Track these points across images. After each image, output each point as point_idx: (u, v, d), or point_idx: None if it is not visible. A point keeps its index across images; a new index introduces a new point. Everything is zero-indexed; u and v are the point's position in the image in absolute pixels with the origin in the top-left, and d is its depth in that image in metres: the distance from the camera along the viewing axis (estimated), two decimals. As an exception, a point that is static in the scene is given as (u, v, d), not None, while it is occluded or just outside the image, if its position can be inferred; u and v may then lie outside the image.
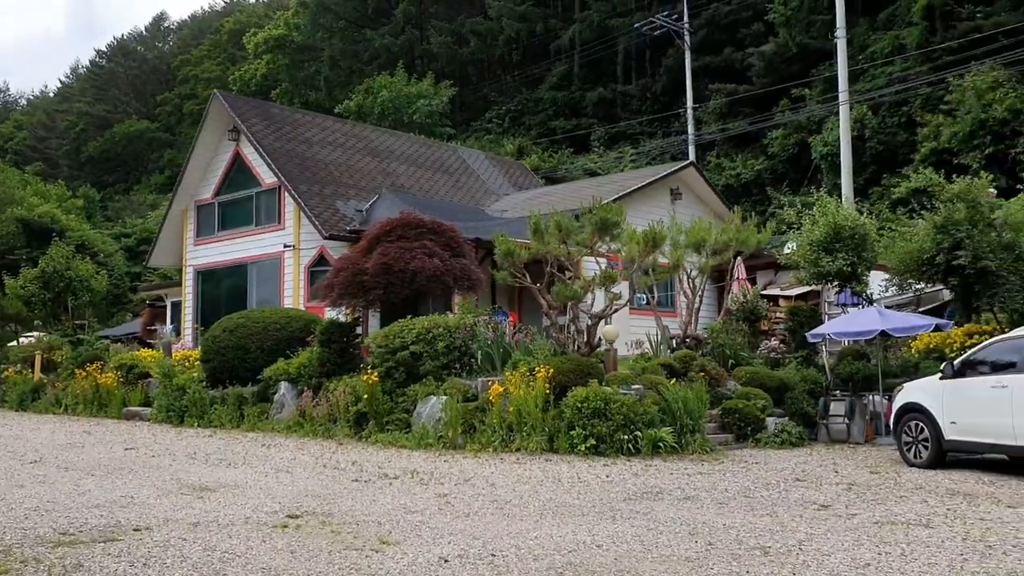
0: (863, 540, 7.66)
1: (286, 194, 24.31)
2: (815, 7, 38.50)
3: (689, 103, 39.61)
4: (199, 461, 13.28)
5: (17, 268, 36.29)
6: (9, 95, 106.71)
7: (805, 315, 17.48)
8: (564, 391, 13.85)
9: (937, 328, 15.63)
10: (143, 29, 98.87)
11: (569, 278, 16.51)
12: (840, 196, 26.10)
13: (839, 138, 31.30)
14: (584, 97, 50.19)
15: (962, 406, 11.81)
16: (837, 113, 32.70)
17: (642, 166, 38.83)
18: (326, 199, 24.12)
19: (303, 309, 22.22)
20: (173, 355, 23.09)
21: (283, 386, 17.74)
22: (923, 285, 18.55)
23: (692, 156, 37.20)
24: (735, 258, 18.64)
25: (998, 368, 11.59)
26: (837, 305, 20.48)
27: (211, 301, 26.49)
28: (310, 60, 62.82)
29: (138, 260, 53.46)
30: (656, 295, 18.71)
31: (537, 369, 13.98)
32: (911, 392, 12.80)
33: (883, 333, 15.30)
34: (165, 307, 31.29)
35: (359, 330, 18.02)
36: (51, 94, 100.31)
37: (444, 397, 14.86)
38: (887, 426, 15.41)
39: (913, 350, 17.45)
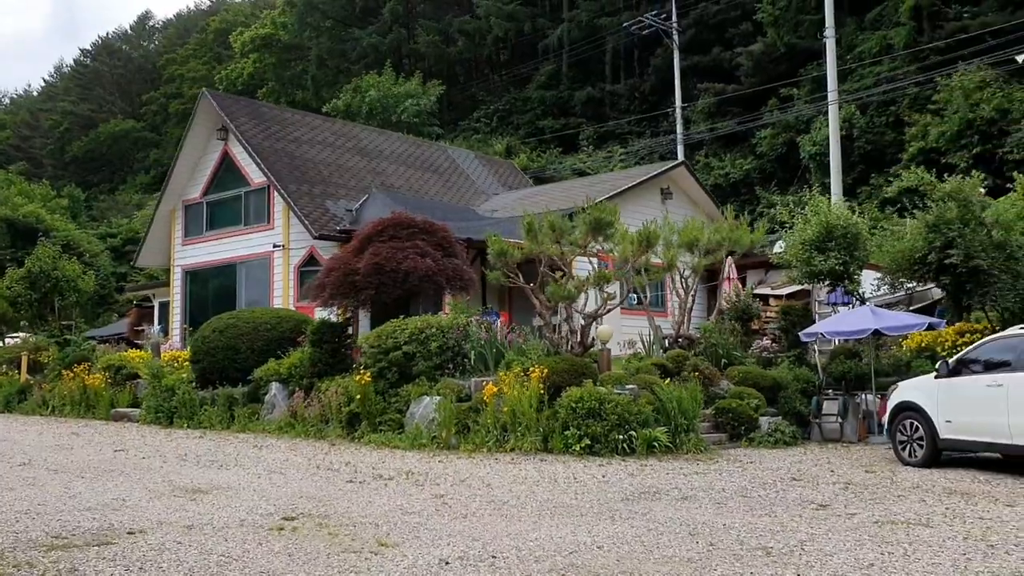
0: (864, 540, 7.63)
1: (275, 194, 24.18)
2: (803, 7, 38.63)
3: (678, 103, 39.64)
4: (190, 463, 13.15)
5: (1, 268, 36.03)
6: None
7: (797, 314, 17.48)
8: (558, 391, 13.78)
9: (930, 327, 15.65)
10: (128, 28, 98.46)
11: (561, 278, 16.45)
12: (829, 195, 26.14)
13: (827, 138, 31.40)
14: (572, 96, 50.18)
15: (957, 405, 11.81)
16: (825, 113, 32.80)
17: (631, 166, 38.85)
18: (315, 199, 23.99)
19: (293, 309, 22.09)
20: (162, 356, 22.91)
21: (274, 387, 17.61)
22: (915, 284, 18.57)
23: (681, 156, 37.23)
24: (728, 257, 18.63)
25: (993, 367, 11.59)
26: (827, 304, 20.49)
27: (199, 301, 26.32)
28: (297, 59, 62.59)
29: (123, 260, 53.16)
30: (648, 295, 18.63)
31: (531, 369, 13.91)
32: (906, 391, 12.81)
33: (876, 332, 15.31)
34: (153, 307, 31.07)
35: (351, 330, 17.90)
36: (35, 93, 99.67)
37: (438, 397, 14.78)
38: (880, 425, 15.45)
39: (904, 349, 17.47)
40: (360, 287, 16.66)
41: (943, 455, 12.35)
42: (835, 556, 7.09)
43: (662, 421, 13.52)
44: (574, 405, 13.21)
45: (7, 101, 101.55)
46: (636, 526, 8.26)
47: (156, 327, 28.63)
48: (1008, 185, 18.38)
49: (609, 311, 15.67)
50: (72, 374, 22.54)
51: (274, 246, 24.09)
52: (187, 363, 20.56)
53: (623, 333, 19.21)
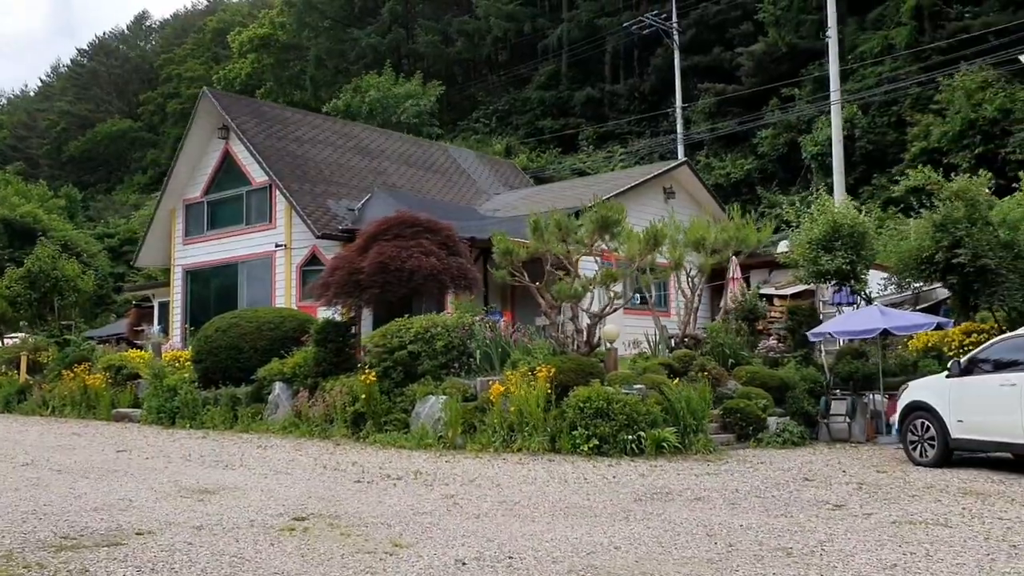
0: (884, 540, 7.54)
1: (277, 193, 24.06)
2: (804, 7, 38.59)
3: (678, 103, 39.56)
4: (195, 463, 13.04)
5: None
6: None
7: (804, 314, 17.40)
8: (565, 391, 13.69)
9: (938, 326, 15.57)
10: (125, 28, 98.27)
11: (561, 277, 16.37)
12: (832, 195, 26.07)
13: (829, 138, 31.32)
14: (572, 97, 50.08)
15: (969, 404, 11.74)
16: (827, 113, 32.73)
17: (631, 166, 38.77)
18: (317, 198, 23.89)
19: (295, 309, 21.97)
20: (163, 356, 22.78)
21: (278, 386, 17.49)
22: (921, 284, 18.50)
23: (681, 156, 37.13)
24: (734, 257, 18.54)
25: (1006, 366, 11.52)
26: (832, 304, 20.42)
27: (200, 301, 26.19)
28: (295, 59, 62.45)
29: (121, 260, 53.02)
30: (653, 294, 18.55)
31: (538, 369, 13.82)
32: (916, 391, 12.73)
33: (885, 332, 15.24)
34: (152, 307, 30.92)
35: (355, 329, 17.79)
36: (32, 93, 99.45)
37: (443, 397, 14.68)
38: (888, 425, 15.39)
39: (911, 349, 17.41)
40: (364, 286, 16.53)
41: (954, 455, 12.27)
42: (856, 556, 7.00)
43: (670, 421, 13.43)
44: (582, 405, 13.11)
45: (4, 101, 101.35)
46: (652, 527, 8.16)
47: (156, 327, 28.49)
48: (1014, 185, 18.28)
49: (615, 310, 15.57)
50: (72, 374, 22.40)
51: (276, 245, 23.98)
52: (189, 363, 20.44)
53: (627, 333, 19.10)
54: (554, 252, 15.63)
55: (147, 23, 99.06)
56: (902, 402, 12.90)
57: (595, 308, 16.26)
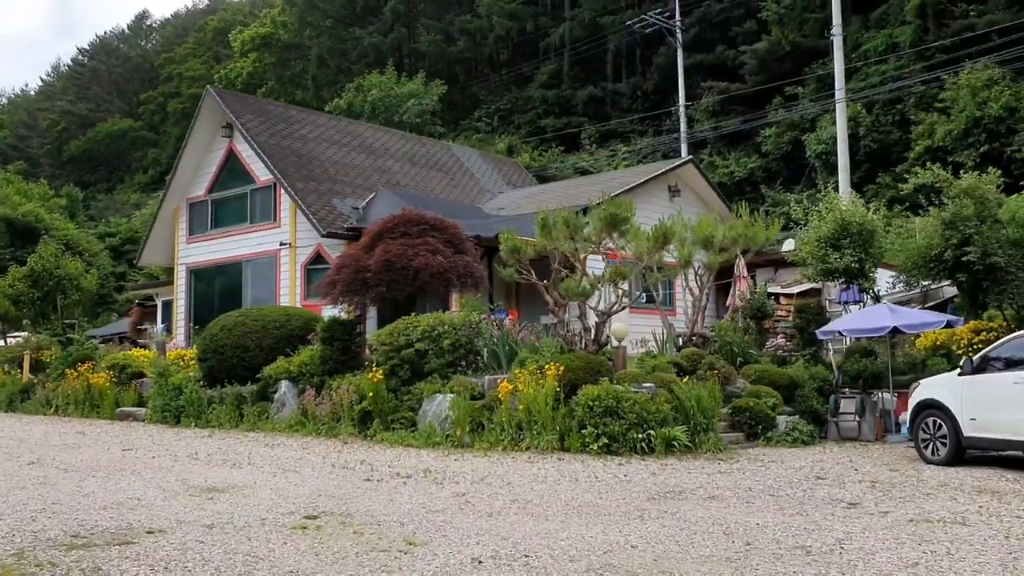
0: (903, 539, 7.47)
1: (282, 191, 23.99)
2: (807, 5, 38.50)
3: (681, 101, 39.49)
4: (202, 461, 12.97)
5: (1, 268, 35.78)
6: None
7: (812, 312, 17.31)
8: (574, 389, 13.61)
9: (948, 324, 15.49)
10: (125, 27, 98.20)
11: (566, 275, 16.30)
12: (837, 194, 25.98)
13: (833, 136, 31.25)
14: (574, 95, 49.98)
15: (982, 402, 11.66)
16: (831, 111, 32.66)
17: (634, 164, 38.68)
18: (322, 196, 23.82)
19: (300, 307, 21.90)
20: (167, 354, 22.70)
21: (284, 385, 17.42)
22: (929, 282, 18.42)
23: (685, 154, 37.07)
24: (742, 255, 18.46)
25: (1019, 364, 11.44)
26: (838, 303, 20.36)
27: (204, 300, 26.11)
28: (297, 58, 62.38)
29: (122, 260, 52.98)
30: (661, 293, 18.48)
31: (547, 367, 13.74)
32: (928, 388, 12.65)
33: (894, 330, 15.16)
34: (155, 306, 30.85)
35: (361, 328, 17.72)
36: (32, 92, 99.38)
37: (451, 395, 14.61)
38: (897, 424, 15.32)
39: (919, 347, 17.34)
40: (371, 284, 16.48)
41: (966, 453, 12.20)
42: (876, 555, 6.93)
43: (680, 420, 13.36)
44: (591, 403, 13.03)
45: (4, 100, 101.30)
46: (668, 525, 8.09)
47: (159, 326, 28.43)
48: (1021, 184, 18.23)
49: (623, 308, 15.49)
50: (76, 373, 22.31)
51: (281, 244, 23.91)
52: (193, 362, 20.36)
53: (633, 331, 18.99)
54: (562, 250, 15.54)
55: (147, 22, 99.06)
56: (913, 400, 12.83)
57: (602, 306, 16.17)
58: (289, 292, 23.58)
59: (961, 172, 18.03)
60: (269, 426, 17.06)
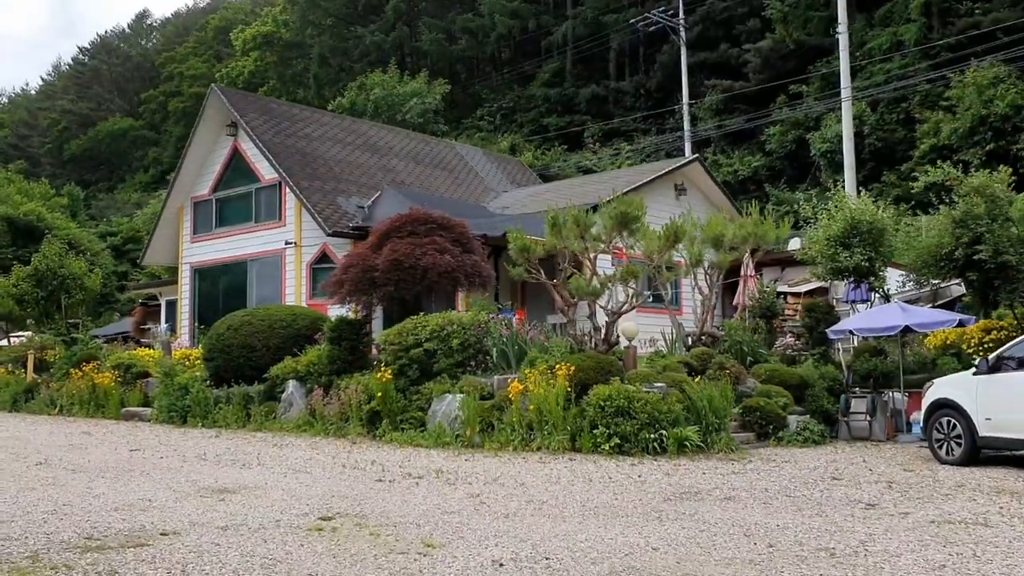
0: (927, 540, 7.39)
1: (287, 190, 23.92)
2: (812, 3, 38.44)
3: (685, 99, 39.42)
4: (210, 462, 12.89)
5: (2, 267, 35.69)
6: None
7: (822, 311, 17.23)
8: (585, 389, 13.53)
9: (960, 323, 15.41)
10: (126, 26, 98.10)
11: (573, 274, 16.22)
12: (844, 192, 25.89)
13: (838, 134, 31.20)
14: (577, 94, 49.89)
15: (998, 402, 11.57)
16: (835, 110, 32.61)
17: (637, 163, 38.61)
18: (327, 195, 23.74)
19: (306, 307, 21.82)
20: (173, 354, 22.62)
21: (291, 384, 17.34)
22: (938, 280, 18.34)
23: (689, 152, 37.00)
24: (752, 254, 18.38)
25: (1035, 363, 11.36)
26: (846, 302, 20.28)
27: (209, 299, 26.03)
28: (298, 57, 62.32)
29: (124, 259, 52.91)
30: (669, 292, 18.39)
31: (558, 367, 13.65)
32: (942, 388, 12.56)
33: (906, 329, 15.08)
34: (159, 306, 30.76)
35: (368, 327, 17.64)
36: (33, 92, 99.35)
37: (460, 395, 14.53)
38: (908, 423, 15.26)
39: (929, 346, 17.26)
40: (379, 283, 16.41)
41: (981, 453, 12.12)
42: (902, 557, 6.84)
43: (692, 420, 13.28)
44: (602, 403, 12.95)
45: (5, 100, 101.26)
46: (687, 527, 8.01)
47: (163, 325, 28.34)
48: (1030, 182, 18.18)
49: (634, 308, 15.42)
50: (81, 373, 22.24)
51: (286, 243, 23.82)
52: (199, 361, 20.29)
53: (642, 331, 18.90)
54: (572, 249, 15.46)
55: (148, 21, 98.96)
56: (927, 400, 12.73)
57: (611, 306, 16.08)
58: (295, 291, 23.50)
59: (972, 170, 17.94)
60: (276, 426, 16.98)
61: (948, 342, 16.87)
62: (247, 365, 18.42)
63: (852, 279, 17.76)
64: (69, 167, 79.83)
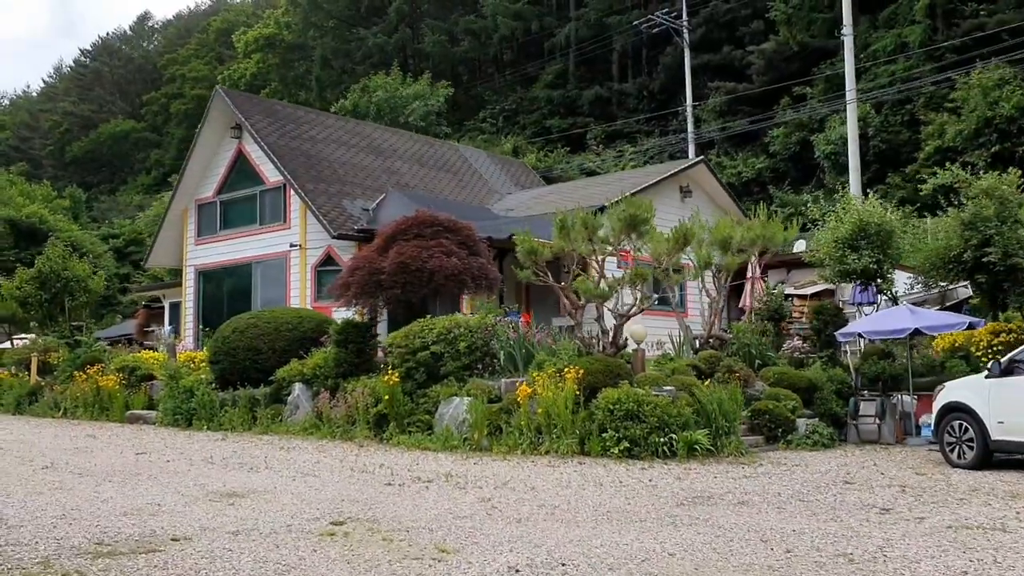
0: (945, 546, 7.32)
1: (292, 193, 23.87)
2: (816, 5, 38.40)
3: (688, 101, 39.37)
4: (218, 465, 12.82)
5: (5, 269, 35.65)
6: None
7: (830, 314, 17.16)
8: (593, 393, 13.46)
9: (970, 326, 15.34)
10: (127, 28, 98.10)
11: (578, 275, 16.16)
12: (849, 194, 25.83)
13: (842, 136, 31.15)
14: (580, 96, 49.85)
15: (1011, 405, 11.51)
16: (839, 112, 32.56)
17: (641, 165, 38.56)
18: (332, 198, 23.68)
19: (311, 309, 21.76)
20: (178, 357, 22.56)
21: (297, 387, 17.27)
22: (945, 283, 18.28)
23: (692, 154, 36.95)
24: (761, 256, 18.32)
25: (1048, 366, 11.30)
26: (852, 304, 20.21)
27: (213, 302, 25.97)
28: (301, 59, 62.29)
29: (126, 261, 52.89)
30: (677, 295, 18.33)
31: (566, 370, 13.59)
32: (954, 391, 12.50)
33: (915, 332, 15.02)
34: (163, 308, 30.70)
35: (375, 330, 17.59)
36: (34, 94, 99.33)
37: (468, 398, 14.46)
38: (917, 426, 15.19)
39: (937, 349, 17.20)
40: (385, 286, 16.35)
41: (992, 457, 12.05)
42: (921, 563, 6.77)
43: (702, 424, 13.20)
44: (611, 407, 12.88)
45: (6, 102, 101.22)
46: (702, 532, 7.94)
47: (167, 328, 28.26)
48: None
49: (642, 311, 15.36)
50: (85, 376, 22.18)
51: (291, 246, 23.76)
52: (204, 364, 20.23)
53: (649, 334, 18.86)
54: (580, 252, 15.39)
55: (149, 23, 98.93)
56: (938, 403, 12.67)
57: (618, 309, 16.01)
58: (299, 294, 23.44)
59: (981, 172, 17.89)
60: (283, 429, 16.92)
61: (956, 345, 16.81)
62: (253, 368, 18.36)
63: (860, 281, 17.69)
64: (71, 169, 79.82)
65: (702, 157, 30.15)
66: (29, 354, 26.15)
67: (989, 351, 15.63)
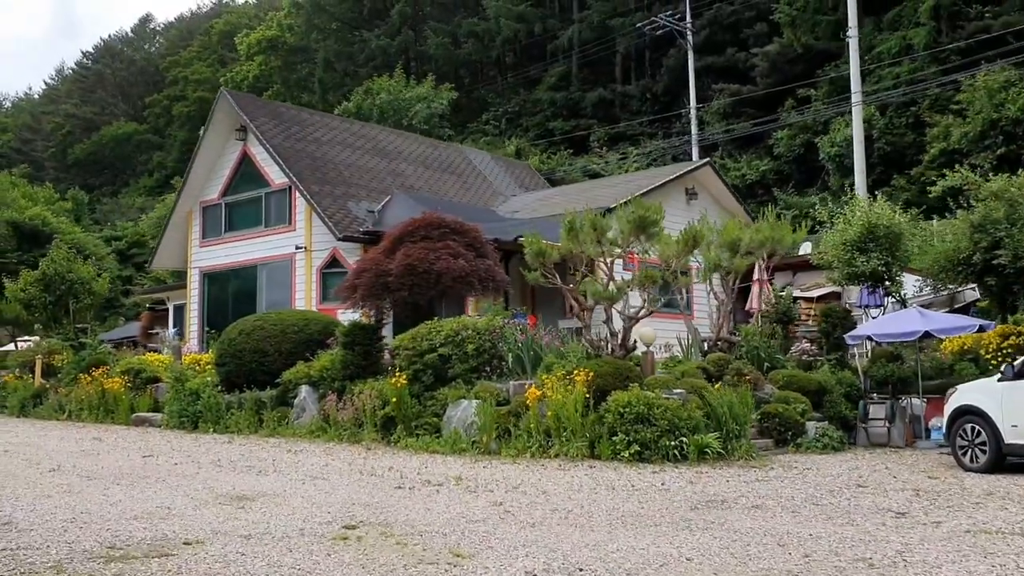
0: (965, 551, 7.25)
1: (297, 195, 23.83)
2: (820, 7, 38.33)
3: (692, 103, 39.32)
4: (226, 468, 12.77)
5: (7, 272, 35.58)
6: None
7: (839, 316, 17.10)
8: (603, 395, 13.38)
9: (981, 328, 15.26)
10: (129, 30, 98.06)
11: (584, 276, 16.11)
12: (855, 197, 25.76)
13: (847, 139, 31.09)
14: (583, 98, 49.82)
15: (1024, 409, 11.44)
16: (844, 114, 32.51)
17: (645, 167, 38.51)
18: (337, 200, 23.64)
19: (316, 311, 21.71)
20: (183, 359, 22.50)
21: (304, 390, 17.21)
22: (954, 285, 18.22)
23: (696, 156, 36.90)
24: (770, 259, 18.25)
25: (1062, 369, 11.23)
26: (859, 307, 20.14)
27: (218, 304, 25.93)
28: (303, 62, 62.27)
29: (128, 263, 52.84)
30: (684, 297, 18.27)
31: (576, 372, 13.53)
32: (966, 394, 12.42)
33: (925, 334, 14.96)
34: (166, 310, 30.65)
35: (382, 332, 17.53)
36: (36, 96, 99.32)
37: (476, 401, 14.39)
38: (926, 430, 15.12)
39: (946, 351, 17.13)
40: (393, 288, 16.28)
41: (1006, 460, 11.97)
42: (943, 568, 6.71)
43: (712, 427, 13.14)
44: (622, 410, 12.80)
45: (8, 104, 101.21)
46: (718, 536, 7.88)
47: (172, 330, 28.22)
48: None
49: (651, 313, 15.30)
50: (90, 378, 22.11)
51: (296, 248, 23.71)
52: (209, 366, 20.18)
53: (657, 336, 18.81)
54: (589, 254, 15.34)
55: (151, 26, 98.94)
56: (950, 406, 12.59)
57: (627, 311, 15.96)
58: (305, 296, 23.39)
59: (991, 175, 17.83)
60: (289, 432, 16.86)
61: (965, 348, 16.74)
62: (259, 370, 18.29)
63: (868, 284, 17.62)
64: (73, 171, 79.78)
65: (708, 159, 30.08)
66: (33, 356, 26.08)
67: (999, 354, 15.56)
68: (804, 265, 22.95)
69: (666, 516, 8.83)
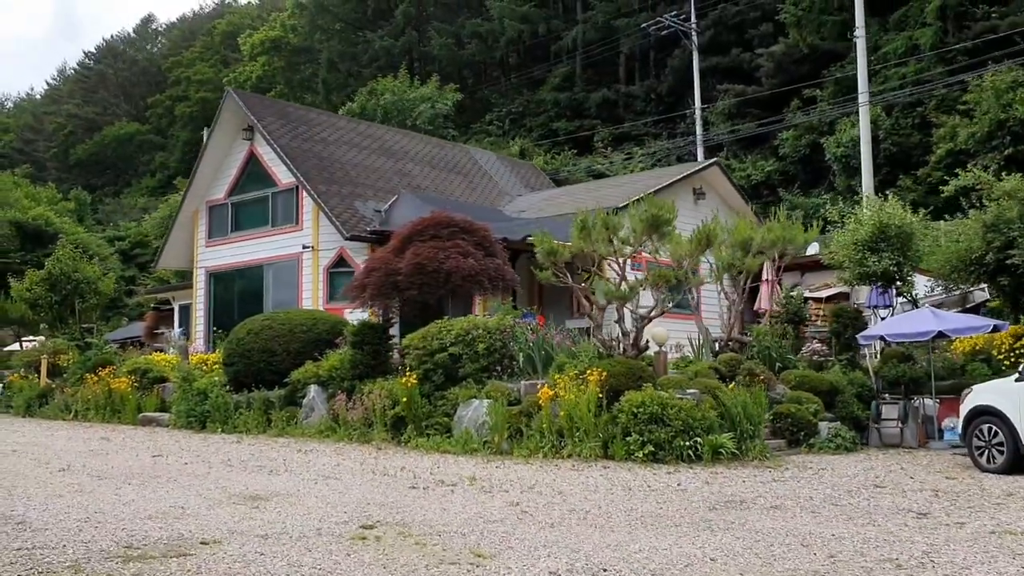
0: (992, 551, 7.18)
1: (304, 194, 23.75)
2: (826, 8, 38.24)
3: (697, 104, 39.25)
4: (237, 468, 12.70)
5: (11, 271, 35.54)
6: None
7: (850, 317, 17.02)
8: (616, 395, 13.30)
9: (995, 329, 15.18)
10: (131, 31, 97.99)
11: (591, 275, 16.05)
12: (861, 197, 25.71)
13: (853, 139, 31.01)
14: (587, 98, 49.72)
15: (1043, 409, 11.36)
16: (850, 114, 32.41)
17: (649, 167, 38.43)
18: (344, 199, 23.57)
19: (324, 311, 21.64)
20: (190, 359, 22.44)
21: (313, 389, 17.13)
22: (965, 285, 18.13)
23: (701, 157, 36.82)
24: (780, 258, 18.18)
25: (1080, 369, 11.15)
26: (868, 307, 20.07)
27: (224, 304, 25.85)
28: (307, 62, 62.19)
29: (132, 263, 52.81)
30: (695, 297, 18.19)
31: (588, 372, 13.45)
32: (982, 395, 12.34)
33: (938, 335, 14.88)
34: (172, 310, 30.58)
35: (391, 331, 17.46)
36: (38, 96, 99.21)
37: (487, 400, 14.32)
38: (939, 430, 15.05)
39: (958, 352, 17.05)
40: (402, 287, 16.22)
41: None
42: (972, 569, 6.64)
43: (726, 427, 13.06)
44: (635, 410, 12.72)
45: (10, 104, 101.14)
46: (740, 537, 7.80)
47: (177, 330, 28.14)
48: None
49: (663, 312, 15.22)
50: (96, 378, 22.05)
51: (303, 247, 23.65)
52: (216, 366, 20.12)
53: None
54: (600, 253, 15.26)
55: (153, 26, 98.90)
56: (966, 406, 12.51)
57: (638, 311, 15.89)
58: (312, 296, 23.32)
59: (1003, 175, 17.74)
60: (298, 431, 16.79)
61: (977, 348, 16.66)
62: (267, 370, 18.22)
63: (880, 284, 17.54)
64: (75, 172, 79.73)
65: (715, 159, 29.96)
66: (39, 356, 26.02)
67: (1011, 354, 15.49)
68: (812, 265, 22.87)
69: (685, 517, 8.76)
